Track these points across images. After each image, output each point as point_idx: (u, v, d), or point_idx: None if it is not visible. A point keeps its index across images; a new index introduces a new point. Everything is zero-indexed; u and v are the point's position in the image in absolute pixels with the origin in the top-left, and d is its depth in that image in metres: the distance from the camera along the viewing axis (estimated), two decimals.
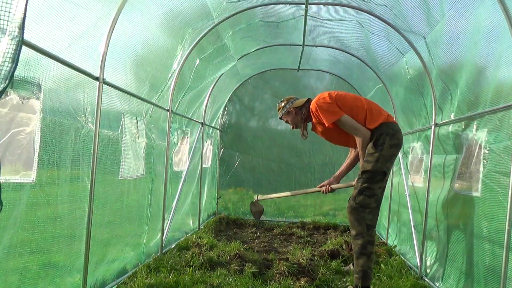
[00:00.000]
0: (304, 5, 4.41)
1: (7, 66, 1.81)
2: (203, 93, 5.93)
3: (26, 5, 1.83)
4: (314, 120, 3.78)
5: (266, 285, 3.68)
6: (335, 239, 5.51)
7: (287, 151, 7.60)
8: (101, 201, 3.22)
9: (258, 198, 4.98)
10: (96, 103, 2.93)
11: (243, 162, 7.66)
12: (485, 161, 3.06)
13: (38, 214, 2.45)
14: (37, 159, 2.36)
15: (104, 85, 2.97)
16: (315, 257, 4.56)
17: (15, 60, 1.84)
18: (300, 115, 3.88)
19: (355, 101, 3.64)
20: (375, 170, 3.41)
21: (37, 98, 2.32)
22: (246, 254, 4.46)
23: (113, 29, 2.95)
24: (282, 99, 4.01)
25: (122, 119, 3.52)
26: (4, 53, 1.82)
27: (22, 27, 1.84)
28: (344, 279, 3.95)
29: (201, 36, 4.46)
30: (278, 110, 4.01)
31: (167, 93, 4.41)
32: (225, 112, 7.67)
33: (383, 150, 3.42)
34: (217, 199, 7.57)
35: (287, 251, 5.07)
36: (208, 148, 6.82)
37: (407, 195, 5.07)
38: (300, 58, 6.46)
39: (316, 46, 5.88)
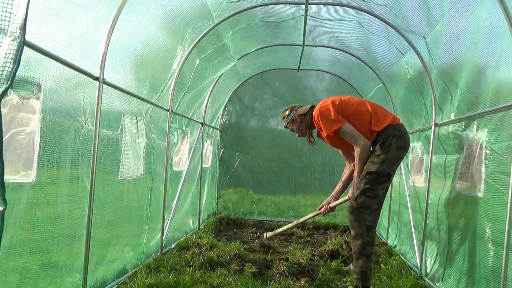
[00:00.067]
0: (304, 5, 4.40)
1: (9, 67, 1.81)
2: (203, 93, 5.93)
3: (27, 5, 1.82)
4: (316, 127, 3.78)
5: (266, 285, 3.68)
6: (335, 239, 5.52)
7: (287, 151, 7.59)
8: (101, 201, 3.22)
9: (267, 236, 5.21)
10: (96, 103, 2.93)
11: (243, 162, 7.64)
12: (487, 161, 3.05)
13: (38, 214, 2.45)
14: (37, 159, 2.36)
15: (104, 85, 2.97)
16: (315, 257, 4.56)
17: (16, 61, 1.83)
18: (305, 122, 3.86)
19: (358, 106, 3.60)
20: (380, 172, 3.39)
21: (37, 98, 2.32)
22: (246, 254, 4.46)
23: (113, 29, 2.95)
24: (286, 108, 4.00)
25: (122, 119, 3.51)
26: (5, 54, 1.81)
27: (23, 28, 1.84)
28: (344, 279, 3.95)
29: (201, 36, 4.46)
30: (283, 119, 4.00)
31: (167, 93, 4.41)
32: (225, 112, 7.67)
33: (390, 152, 3.40)
34: (217, 199, 7.56)
35: (287, 251, 5.07)
36: (208, 148, 6.82)
37: (407, 195, 5.07)
38: (300, 58, 6.46)
39: (316, 46, 5.88)
